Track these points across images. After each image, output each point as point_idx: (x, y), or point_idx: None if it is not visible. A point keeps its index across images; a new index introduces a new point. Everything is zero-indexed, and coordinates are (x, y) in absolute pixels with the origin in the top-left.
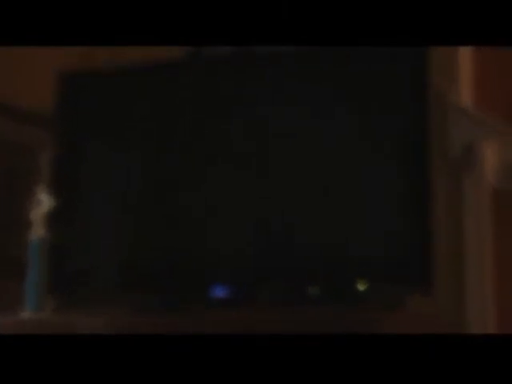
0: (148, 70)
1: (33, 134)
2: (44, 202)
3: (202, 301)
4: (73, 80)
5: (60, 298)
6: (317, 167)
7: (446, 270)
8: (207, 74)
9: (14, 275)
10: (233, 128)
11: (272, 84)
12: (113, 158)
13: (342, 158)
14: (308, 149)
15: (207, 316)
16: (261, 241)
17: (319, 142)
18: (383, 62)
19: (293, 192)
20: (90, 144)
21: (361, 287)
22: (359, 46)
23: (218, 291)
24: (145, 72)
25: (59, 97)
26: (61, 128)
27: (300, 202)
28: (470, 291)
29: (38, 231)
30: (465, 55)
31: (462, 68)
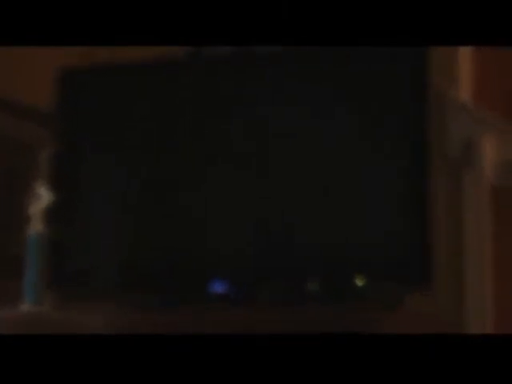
0: (148, 69)
1: (33, 131)
2: (43, 199)
3: (202, 300)
4: (73, 78)
5: (59, 297)
6: (317, 167)
7: (445, 269)
8: (207, 74)
9: (13, 274)
10: (233, 128)
11: (272, 84)
12: (113, 158)
13: (342, 157)
14: (308, 149)
15: (207, 316)
16: (261, 241)
17: (319, 141)
18: (383, 62)
19: (293, 192)
20: (90, 143)
21: (359, 283)
22: (359, 46)
23: (217, 291)
24: (145, 71)
25: (59, 95)
26: (61, 126)
27: (300, 201)
28: (470, 291)
29: (37, 229)
30: (465, 55)
31: (462, 68)
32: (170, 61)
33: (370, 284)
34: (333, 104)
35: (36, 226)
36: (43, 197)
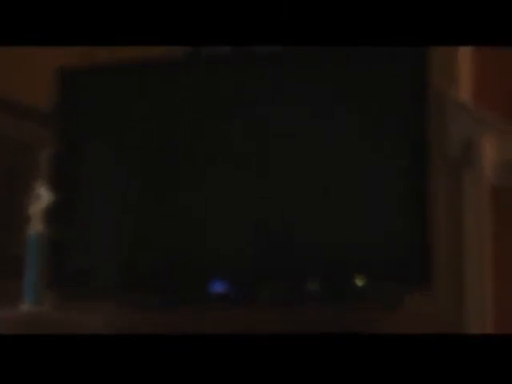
0: (148, 69)
1: (33, 131)
2: (43, 199)
3: (202, 300)
4: (73, 78)
5: (59, 297)
6: (317, 167)
7: (445, 269)
8: (207, 74)
9: (13, 274)
10: (233, 128)
11: (272, 84)
12: (113, 158)
13: (342, 157)
14: (308, 149)
15: (207, 316)
16: (261, 241)
17: (319, 141)
18: (383, 62)
19: (293, 192)
20: (90, 143)
21: (359, 282)
22: (359, 46)
23: (217, 291)
24: (145, 71)
25: (59, 95)
26: (60, 126)
27: (300, 201)
28: (470, 290)
29: (37, 229)
30: (465, 55)
31: (462, 68)
32: (169, 61)
33: (370, 284)
34: (333, 104)
35: (36, 226)
36: (43, 197)
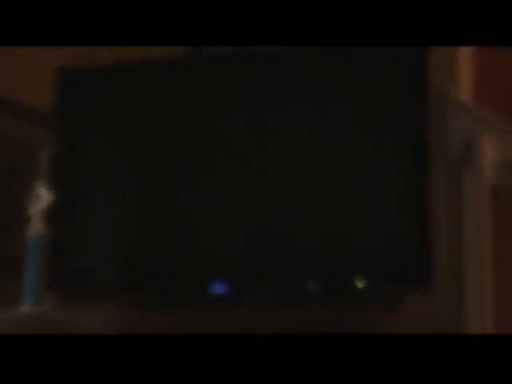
0: (148, 69)
1: (33, 131)
2: (43, 200)
3: (202, 300)
4: (73, 78)
5: (60, 298)
6: (317, 167)
7: (445, 269)
8: (207, 74)
9: (13, 275)
10: (233, 128)
11: (272, 84)
12: (113, 158)
13: (342, 157)
14: (308, 149)
15: (207, 316)
16: (261, 241)
17: (319, 141)
18: (383, 62)
19: (293, 192)
20: (90, 143)
21: (359, 284)
22: (359, 46)
23: (217, 291)
24: (145, 71)
25: (59, 95)
26: (60, 126)
27: (300, 201)
28: (470, 291)
29: (37, 230)
30: (465, 55)
31: (462, 68)
32: (169, 61)
33: (370, 284)
34: (333, 104)
35: (36, 227)
36: (43, 197)
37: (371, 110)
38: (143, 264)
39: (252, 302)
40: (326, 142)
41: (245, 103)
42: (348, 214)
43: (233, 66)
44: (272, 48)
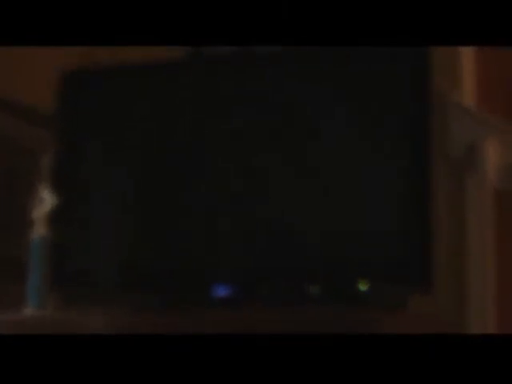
0: (148, 69)
1: (33, 132)
2: (44, 201)
3: (202, 301)
4: (73, 79)
5: (60, 298)
6: (317, 167)
7: (446, 270)
8: (207, 74)
9: (15, 276)
10: (233, 128)
11: (272, 84)
12: (113, 158)
13: (342, 157)
14: (308, 149)
15: (207, 316)
16: (261, 241)
17: (319, 141)
18: (383, 62)
19: (293, 192)
20: (90, 143)
21: (362, 287)
22: (359, 46)
23: (217, 291)
24: (145, 71)
25: (59, 95)
26: (60, 126)
27: (300, 201)
28: (471, 292)
29: (38, 230)
30: (466, 55)
31: (464, 68)
32: (170, 61)
33: (370, 284)
34: (333, 104)
35: (39, 230)
36: (45, 199)
37: (371, 110)
38: (143, 264)
39: (252, 302)
40: (326, 141)
41: (245, 103)
42: (348, 214)
43: (233, 66)
44: (272, 48)
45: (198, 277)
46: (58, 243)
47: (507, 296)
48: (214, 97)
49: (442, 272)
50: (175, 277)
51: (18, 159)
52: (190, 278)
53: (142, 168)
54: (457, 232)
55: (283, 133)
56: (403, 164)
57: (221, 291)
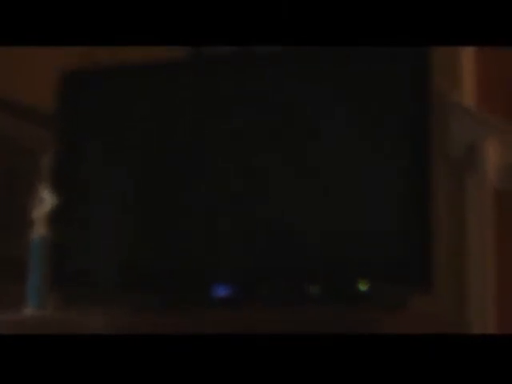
0: (148, 69)
1: (33, 132)
2: (44, 201)
3: (202, 301)
4: (73, 78)
5: (60, 298)
6: (317, 167)
7: (446, 270)
8: (207, 74)
9: (15, 276)
10: (233, 128)
11: (272, 84)
12: (113, 158)
13: (342, 157)
14: (308, 149)
15: (207, 316)
16: (261, 241)
17: (319, 142)
18: (383, 62)
19: (293, 192)
20: (90, 143)
21: (362, 287)
22: (359, 46)
23: (217, 291)
24: (145, 72)
25: (59, 95)
26: (61, 126)
27: (300, 201)
28: (471, 291)
29: (38, 230)
30: (466, 55)
31: (464, 68)
32: (170, 61)
33: (370, 284)
34: (333, 104)
35: (39, 230)
36: (45, 199)
37: (371, 110)
38: (143, 264)
39: (252, 302)
40: (326, 142)
41: (245, 103)
42: (348, 214)
43: (233, 66)
44: (272, 48)
45: (198, 277)
46: (58, 243)
47: (507, 296)
48: (214, 97)
49: (442, 272)
50: (175, 277)
51: (18, 159)
52: (190, 278)
53: (142, 168)
54: (457, 232)
55: (283, 133)
56: (403, 164)
57: (221, 291)
